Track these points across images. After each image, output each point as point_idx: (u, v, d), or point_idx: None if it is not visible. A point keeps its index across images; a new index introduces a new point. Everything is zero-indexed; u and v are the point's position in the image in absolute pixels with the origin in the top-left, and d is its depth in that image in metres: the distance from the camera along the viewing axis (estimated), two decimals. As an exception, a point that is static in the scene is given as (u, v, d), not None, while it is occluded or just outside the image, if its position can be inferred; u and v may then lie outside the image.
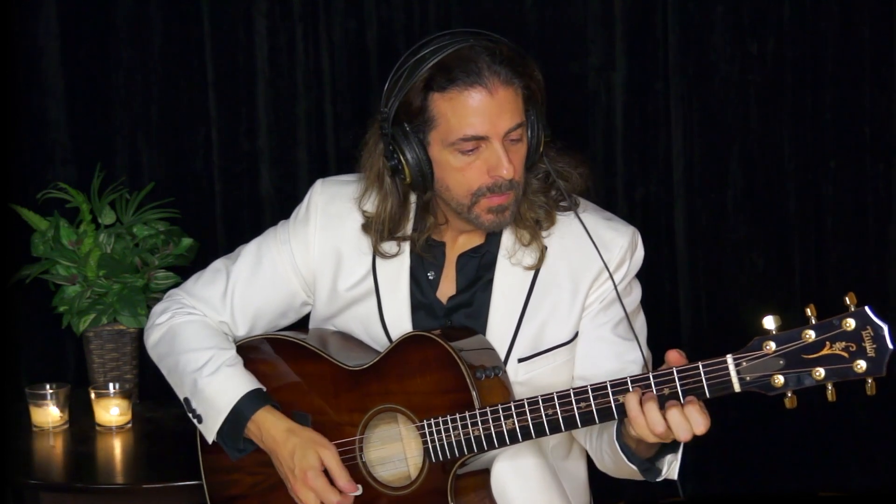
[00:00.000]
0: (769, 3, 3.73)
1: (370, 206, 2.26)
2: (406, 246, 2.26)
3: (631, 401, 1.94)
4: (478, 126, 2.09)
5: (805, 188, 3.78)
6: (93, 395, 3.00)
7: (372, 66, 3.70)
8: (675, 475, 2.08)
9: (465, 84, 2.08)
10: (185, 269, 3.11)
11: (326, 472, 2.17)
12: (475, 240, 2.25)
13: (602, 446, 2.15)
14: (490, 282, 2.22)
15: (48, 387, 2.98)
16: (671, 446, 2.05)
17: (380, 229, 2.24)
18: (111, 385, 3.01)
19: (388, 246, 2.25)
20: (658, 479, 2.08)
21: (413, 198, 2.25)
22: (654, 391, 1.93)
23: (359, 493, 2.16)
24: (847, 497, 3.81)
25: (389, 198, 2.22)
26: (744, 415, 3.61)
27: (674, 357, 1.94)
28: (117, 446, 2.92)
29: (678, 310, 3.80)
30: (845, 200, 3.78)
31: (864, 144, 3.76)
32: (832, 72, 3.74)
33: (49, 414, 2.97)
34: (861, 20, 3.72)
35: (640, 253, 2.25)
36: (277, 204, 3.69)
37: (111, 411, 2.98)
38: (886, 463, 3.81)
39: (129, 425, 3.00)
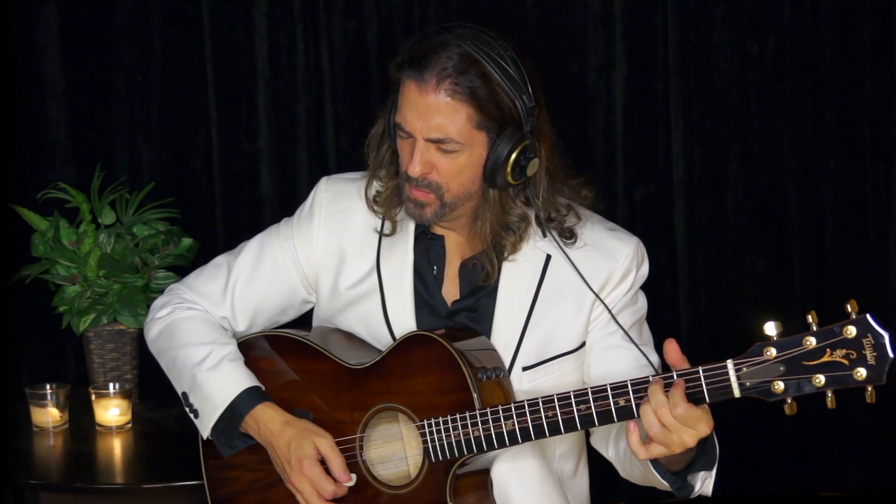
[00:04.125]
0: (769, 3, 3.72)
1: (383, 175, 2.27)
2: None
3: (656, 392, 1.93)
4: (407, 120, 2.12)
5: (805, 188, 3.77)
6: (93, 395, 3.00)
7: (372, 66, 3.69)
8: (709, 492, 2.06)
9: (410, 74, 2.10)
10: (185, 269, 3.10)
11: (323, 464, 2.17)
12: (475, 242, 2.24)
13: (632, 457, 2.12)
14: (495, 289, 2.22)
15: (48, 387, 2.98)
16: (705, 462, 2.03)
17: (387, 195, 2.24)
18: (111, 385, 3.01)
19: (393, 222, 2.25)
20: (692, 496, 2.06)
21: None
22: None
23: (352, 482, 2.16)
24: (847, 497, 3.81)
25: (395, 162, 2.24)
26: (744, 415, 3.61)
27: (672, 349, 1.94)
28: (117, 446, 2.92)
29: (678, 310, 3.79)
30: (845, 200, 3.78)
31: (864, 144, 3.76)
32: (832, 72, 3.74)
33: (49, 414, 2.97)
34: (861, 20, 3.72)
35: (646, 265, 2.26)
36: (277, 204, 3.69)
37: (111, 411, 2.98)
38: (886, 463, 3.81)
39: (129, 425, 3.00)
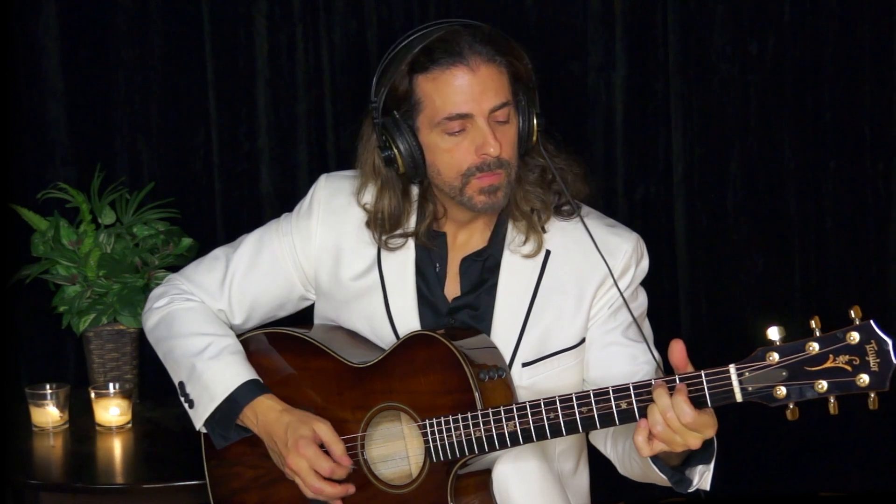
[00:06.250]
0: (769, 3, 3.73)
1: (369, 198, 2.26)
2: (411, 241, 2.26)
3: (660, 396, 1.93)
4: (461, 104, 2.11)
5: (805, 188, 3.78)
6: (93, 395, 2.99)
7: (372, 66, 3.67)
8: (707, 486, 2.05)
9: (448, 63, 2.11)
10: (186, 270, 3.11)
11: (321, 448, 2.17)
12: (476, 238, 2.25)
13: (632, 454, 2.13)
14: (494, 286, 2.22)
15: (48, 387, 2.97)
16: (703, 456, 2.04)
17: (381, 224, 2.24)
18: (111, 385, 3.01)
19: (393, 241, 2.25)
20: (689, 490, 2.06)
21: (415, 192, 2.25)
22: None
23: (352, 468, 2.16)
24: (847, 497, 3.82)
25: (387, 190, 2.23)
26: (744, 415, 3.61)
27: (678, 350, 1.94)
28: (117, 446, 2.92)
29: (678, 310, 3.80)
30: (845, 200, 3.78)
31: (864, 144, 3.76)
32: (832, 72, 3.74)
33: (49, 414, 2.97)
34: (861, 20, 3.72)
35: (645, 261, 2.26)
36: (277, 204, 3.69)
37: (111, 411, 2.98)
38: (886, 463, 3.81)
39: (129, 425, 2.99)
